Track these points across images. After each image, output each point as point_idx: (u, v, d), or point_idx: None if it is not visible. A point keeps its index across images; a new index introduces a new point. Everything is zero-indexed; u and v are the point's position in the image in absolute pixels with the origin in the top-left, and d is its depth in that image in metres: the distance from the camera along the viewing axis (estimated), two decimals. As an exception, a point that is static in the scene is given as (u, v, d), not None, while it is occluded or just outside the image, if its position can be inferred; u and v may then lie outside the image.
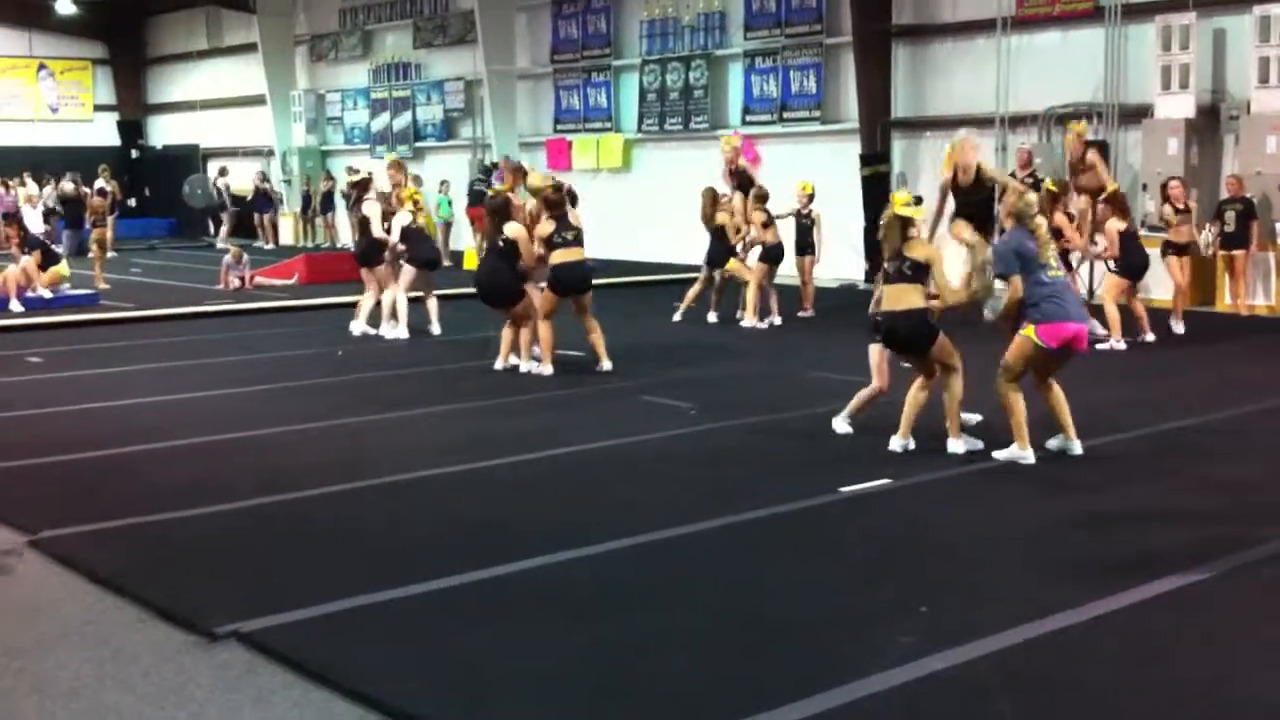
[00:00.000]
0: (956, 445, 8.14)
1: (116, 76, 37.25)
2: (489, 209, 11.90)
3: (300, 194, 30.22)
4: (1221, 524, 6.57)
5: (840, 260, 20.10)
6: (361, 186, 14.74)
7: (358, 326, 14.32)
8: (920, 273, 8.03)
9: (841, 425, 8.75)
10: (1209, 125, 16.37)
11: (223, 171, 30.77)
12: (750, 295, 14.65)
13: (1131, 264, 12.80)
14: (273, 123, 31.53)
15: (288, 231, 30.56)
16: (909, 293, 8.00)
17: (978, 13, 18.71)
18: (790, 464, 8.08)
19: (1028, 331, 7.82)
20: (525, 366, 11.64)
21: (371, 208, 14.23)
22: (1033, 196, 8.27)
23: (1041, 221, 8.07)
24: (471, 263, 23.09)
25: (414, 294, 14.33)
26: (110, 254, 25.98)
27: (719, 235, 14.74)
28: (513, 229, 11.48)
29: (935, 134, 19.32)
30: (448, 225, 24.87)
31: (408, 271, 14.13)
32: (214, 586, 5.73)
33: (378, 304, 14.32)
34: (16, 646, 5.09)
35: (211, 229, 31.42)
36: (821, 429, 8.99)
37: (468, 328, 14.20)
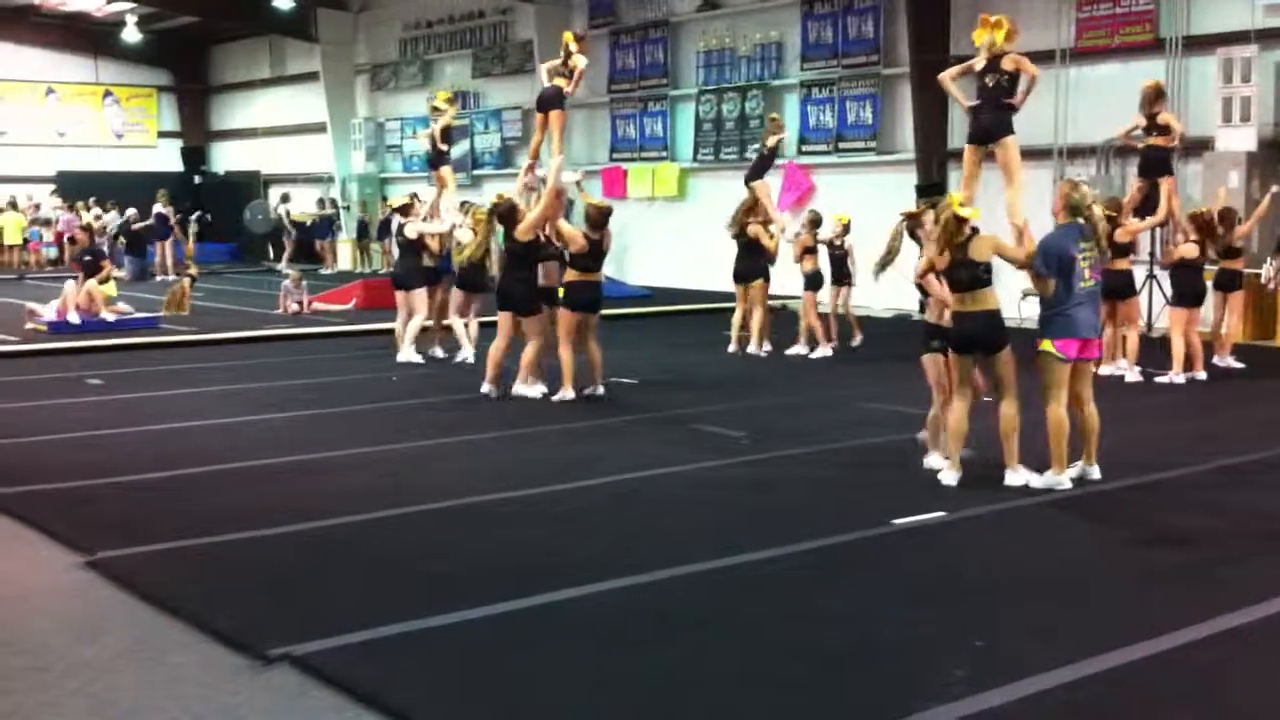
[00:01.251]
0: (1014, 478, 8.07)
1: (181, 103, 37.89)
2: (496, 215, 11.91)
3: (357, 220, 30.54)
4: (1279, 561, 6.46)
5: (894, 290, 20.02)
6: (404, 210, 14.66)
7: (405, 354, 14.10)
8: (990, 273, 8.00)
9: (935, 461, 8.45)
10: (1271, 158, 16.18)
11: (285, 198, 31.16)
12: (758, 322, 14.65)
13: (1183, 294, 12.65)
14: (333, 150, 31.92)
15: (345, 257, 30.89)
16: (985, 295, 7.97)
17: (1037, 44, 18.58)
18: (842, 495, 8.03)
19: (1045, 345, 7.94)
20: (519, 389, 11.65)
21: (415, 227, 14.05)
22: (1086, 188, 8.18)
23: (1097, 211, 8.09)
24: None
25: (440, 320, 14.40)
26: (168, 277, 26.43)
27: (749, 250, 14.64)
28: (567, 230, 11.63)
29: (990, 165, 19.19)
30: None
31: (455, 294, 14.06)
32: (267, 609, 5.78)
33: (425, 330, 14.27)
34: (74, 666, 5.14)
35: (272, 254, 31.80)
36: (873, 460, 8.94)
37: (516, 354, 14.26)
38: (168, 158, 37.00)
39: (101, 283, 17.70)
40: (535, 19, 25.92)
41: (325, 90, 31.68)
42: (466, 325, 14.15)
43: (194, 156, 37.27)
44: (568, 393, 11.40)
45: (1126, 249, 12.51)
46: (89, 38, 35.45)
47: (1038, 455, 8.16)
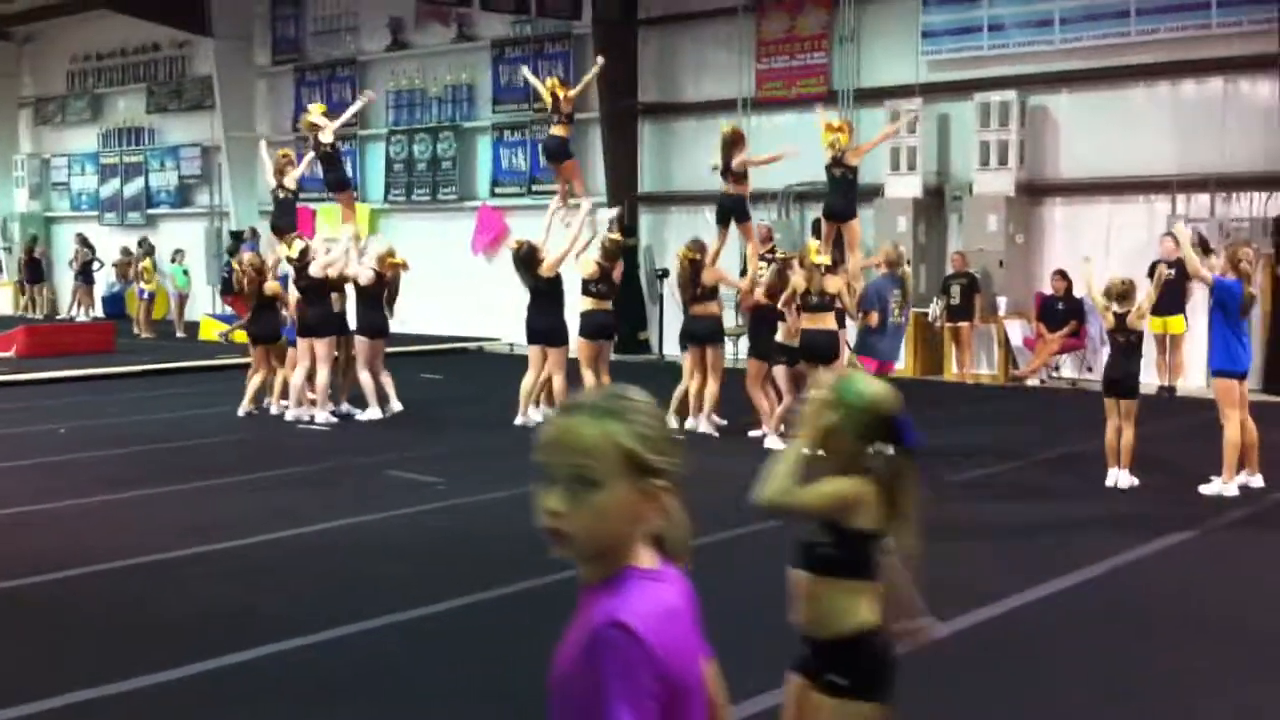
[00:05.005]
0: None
1: None
2: (518, 258, 12.01)
3: (18, 262, 28.60)
4: (988, 578, 6.76)
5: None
6: (302, 255, 12.54)
7: (295, 412, 12.47)
8: (832, 300, 10.67)
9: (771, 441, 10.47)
10: (935, 205, 17.22)
11: None
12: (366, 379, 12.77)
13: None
14: (-8, 187, 29.94)
15: (6, 301, 28.88)
16: (825, 317, 10.69)
17: (719, 93, 19.27)
18: (536, 539, 7.92)
19: (853, 359, 10.77)
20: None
21: (318, 263, 12.47)
22: (902, 249, 11.45)
23: (908, 271, 11.11)
24: (207, 333, 22.22)
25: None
26: None
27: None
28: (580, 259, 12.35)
29: (681, 209, 19.74)
30: (183, 297, 23.90)
31: (361, 344, 12.65)
32: (-86, 686, 5.22)
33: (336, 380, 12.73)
34: None
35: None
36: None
37: (212, 401, 13.64)
38: None
39: None
40: (215, 54, 25.04)
41: (-16, 124, 29.72)
42: (376, 379, 12.70)
43: None
44: None
45: (714, 291, 11.79)
46: None
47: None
